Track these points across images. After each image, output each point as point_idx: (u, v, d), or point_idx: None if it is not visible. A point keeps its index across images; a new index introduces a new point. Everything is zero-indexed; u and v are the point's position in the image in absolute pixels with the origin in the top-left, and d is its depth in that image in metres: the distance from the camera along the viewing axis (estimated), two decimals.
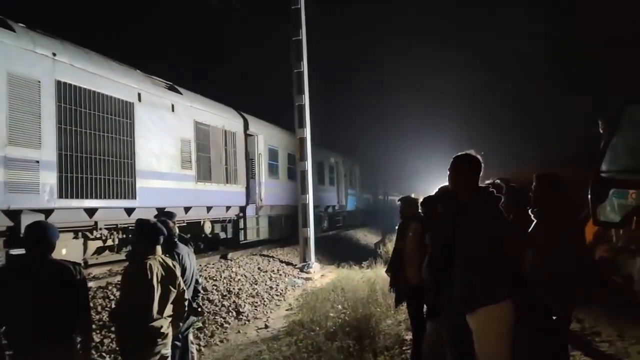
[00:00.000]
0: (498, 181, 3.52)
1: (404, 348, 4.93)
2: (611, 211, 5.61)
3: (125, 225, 7.91)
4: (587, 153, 6.29)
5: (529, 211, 3.19)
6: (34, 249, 2.83)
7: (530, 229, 3.12)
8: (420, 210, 4.31)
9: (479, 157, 2.72)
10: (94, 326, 5.57)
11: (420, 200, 4.43)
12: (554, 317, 2.90)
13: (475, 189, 2.68)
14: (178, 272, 3.53)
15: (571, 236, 3.03)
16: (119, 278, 5.36)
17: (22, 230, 2.95)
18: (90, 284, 7.04)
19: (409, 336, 5.14)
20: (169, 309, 3.39)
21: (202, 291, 4.39)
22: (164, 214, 4.40)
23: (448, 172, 2.76)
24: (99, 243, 7.72)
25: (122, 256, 8.22)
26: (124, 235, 8.05)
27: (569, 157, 8.69)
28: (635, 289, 4.93)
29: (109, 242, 7.89)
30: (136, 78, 8.34)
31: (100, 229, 7.47)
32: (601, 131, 5.83)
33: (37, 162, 6.08)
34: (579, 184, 5.71)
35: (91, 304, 6.19)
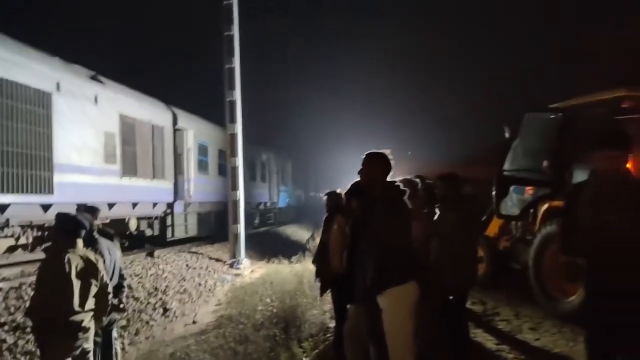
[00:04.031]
0: (410, 178, 3.88)
1: (327, 335, 5.19)
2: (512, 205, 6.28)
3: (42, 223, 7.47)
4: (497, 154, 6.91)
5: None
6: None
7: (434, 220, 3.54)
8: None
9: (389, 156, 3.03)
10: (6, 328, 5.28)
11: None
12: (451, 297, 3.30)
13: (385, 184, 2.96)
14: (100, 266, 3.50)
15: (464, 226, 3.46)
16: (33, 278, 5.10)
17: None
18: (1, 284, 6.60)
19: (332, 323, 5.40)
20: (90, 303, 3.36)
21: (126, 288, 4.32)
22: (87, 209, 4.27)
23: (361, 167, 3.02)
24: (11, 241, 7.23)
25: (37, 255, 7.74)
26: (40, 233, 7.60)
27: (485, 157, 9.44)
28: (529, 274, 5.57)
29: (22, 241, 7.41)
30: (55, 66, 7.88)
31: (12, 226, 7.00)
32: (506, 135, 6.50)
33: None
34: (489, 181, 6.35)
35: (3, 305, 5.85)
